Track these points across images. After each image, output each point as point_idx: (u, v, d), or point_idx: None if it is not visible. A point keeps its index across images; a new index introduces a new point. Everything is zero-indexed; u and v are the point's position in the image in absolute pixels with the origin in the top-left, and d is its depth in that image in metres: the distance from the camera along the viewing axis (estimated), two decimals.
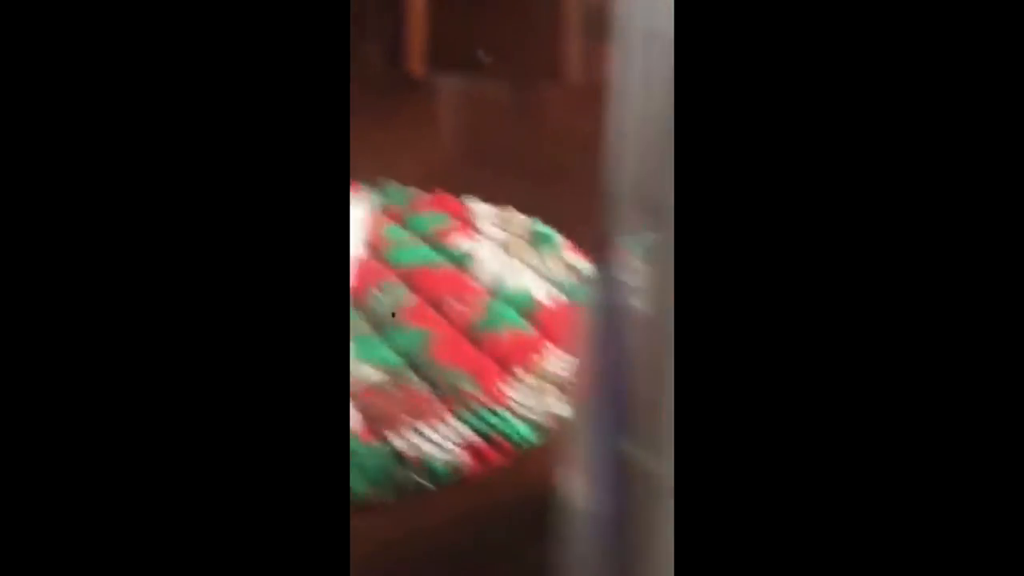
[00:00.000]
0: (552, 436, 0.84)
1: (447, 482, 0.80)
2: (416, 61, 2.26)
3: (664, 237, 0.59)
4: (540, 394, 0.87)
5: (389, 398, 0.88)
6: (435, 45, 2.29)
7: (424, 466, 0.80)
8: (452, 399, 0.86)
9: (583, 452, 0.62)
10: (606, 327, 0.64)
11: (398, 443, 0.82)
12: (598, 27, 2.23)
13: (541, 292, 1.02)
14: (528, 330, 0.96)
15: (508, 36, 2.22)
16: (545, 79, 2.10)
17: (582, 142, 1.70)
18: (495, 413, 0.84)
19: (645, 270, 0.61)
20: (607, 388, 0.60)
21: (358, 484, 0.79)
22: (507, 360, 0.91)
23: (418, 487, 0.80)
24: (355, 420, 0.85)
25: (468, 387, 0.88)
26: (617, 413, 0.57)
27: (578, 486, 0.62)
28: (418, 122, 1.81)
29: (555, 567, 0.63)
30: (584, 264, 1.07)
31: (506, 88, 1.96)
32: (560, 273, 1.05)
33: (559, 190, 1.34)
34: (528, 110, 1.79)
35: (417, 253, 1.10)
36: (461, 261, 1.08)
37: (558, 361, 0.91)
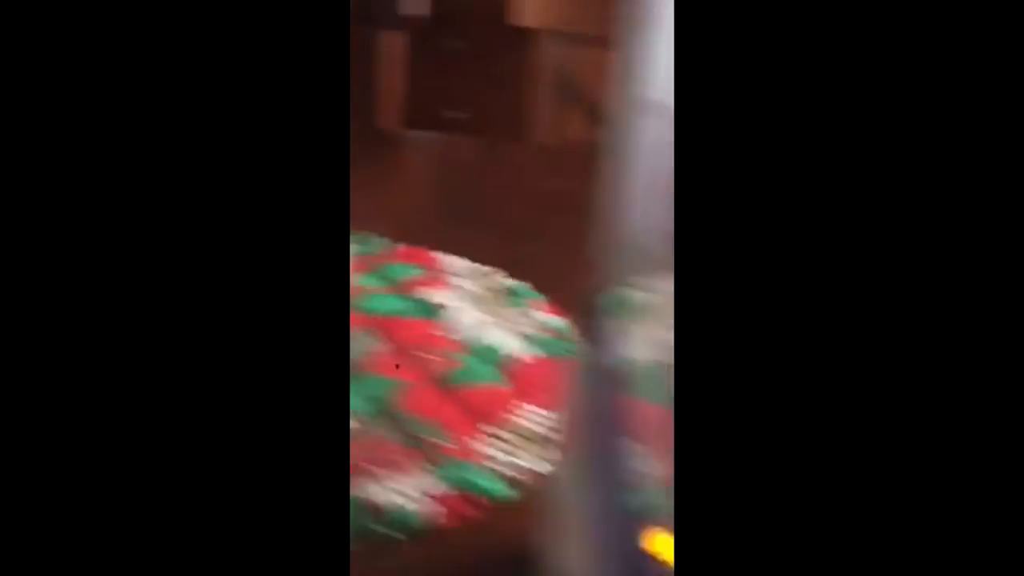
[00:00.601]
0: (530, 492, 0.82)
1: (418, 533, 0.78)
2: (390, 118, 2.27)
3: (657, 293, 0.59)
4: (516, 450, 0.85)
5: (358, 448, 0.86)
6: (408, 103, 2.31)
7: (391, 516, 0.79)
8: (422, 450, 0.85)
9: (569, 510, 0.61)
10: (592, 383, 0.63)
11: (365, 492, 0.80)
12: (569, 91, 2.26)
13: (515, 347, 1.01)
14: (503, 384, 0.95)
15: (480, 97, 2.24)
16: (515, 139, 2.12)
17: (553, 201, 1.71)
18: (468, 467, 0.83)
19: (633, 326, 0.61)
20: (596, 445, 0.59)
21: None
22: (481, 414, 0.90)
23: (386, 537, 0.78)
24: None
25: (439, 439, 0.86)
26: (609, 471, 0.56)
27: (560, 544, 0.61)
28: (391, 177, 1.81)
29: None
30: (558, 321, 1.07)
31: (477, 147, 1.97)
32: (534, 328, 1.04)
33: (532, 248, 1.34)
34: (499, 169, 1.80)
35: (388, 302, 1.09)
36: (432, 313, 1.07)
37: (535, 417, 0.90)
